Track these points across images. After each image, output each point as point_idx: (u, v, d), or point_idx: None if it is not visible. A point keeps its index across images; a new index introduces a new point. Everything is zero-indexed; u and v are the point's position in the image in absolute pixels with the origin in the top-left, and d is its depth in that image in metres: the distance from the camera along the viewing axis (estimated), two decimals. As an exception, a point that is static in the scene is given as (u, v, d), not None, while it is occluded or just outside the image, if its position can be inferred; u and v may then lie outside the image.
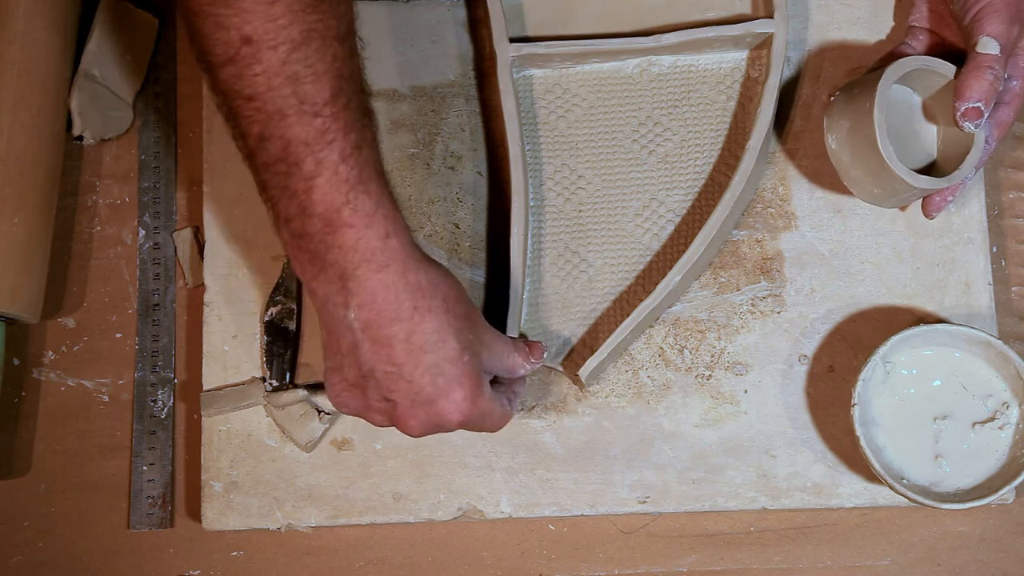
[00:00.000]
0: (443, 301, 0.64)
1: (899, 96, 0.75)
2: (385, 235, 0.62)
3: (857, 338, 0.78)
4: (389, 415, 0.66)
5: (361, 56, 0.65)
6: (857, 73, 0.80)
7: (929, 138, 0.76)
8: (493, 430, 0.69)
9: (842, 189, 0.80)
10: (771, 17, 0.78)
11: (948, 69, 0.73)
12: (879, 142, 0.71)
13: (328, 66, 0.61)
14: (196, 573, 0.78)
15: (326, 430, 0.76)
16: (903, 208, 0.79)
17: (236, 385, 0.78)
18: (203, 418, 0.77)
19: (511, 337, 0.72)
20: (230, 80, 0.61)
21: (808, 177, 0.80)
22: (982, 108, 0.70)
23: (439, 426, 0.66)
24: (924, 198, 0.76)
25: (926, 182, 0.72)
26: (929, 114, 0.76)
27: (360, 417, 0.68)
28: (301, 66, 0.60)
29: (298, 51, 0.60)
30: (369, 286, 0.62)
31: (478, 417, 0.66)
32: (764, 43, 0.79)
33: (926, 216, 0.77)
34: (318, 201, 0.61)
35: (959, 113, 0.70)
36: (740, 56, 0.81)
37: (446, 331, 0.64)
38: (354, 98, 0.63)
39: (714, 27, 0.79)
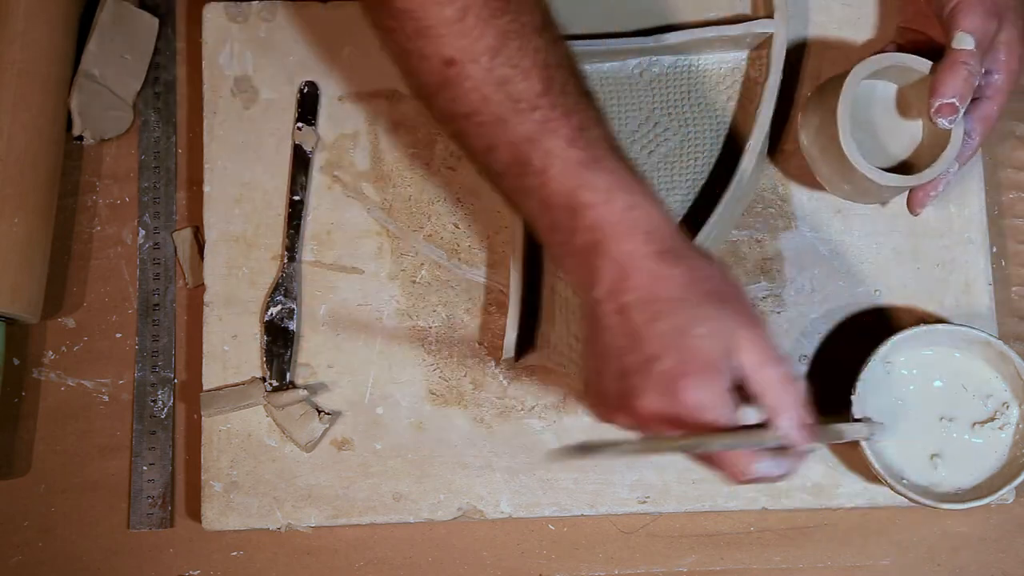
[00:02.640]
0: (686, 272, 0.60)
1: (885, 91, 0.75)
2: (627, 207, 0.60)
3: (857, 338, 0.78)
4: (622, 401, 0.60)
5: (564, 41, 0.64)
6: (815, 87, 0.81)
7: (915, 133, 0.76)
8: (726, 469, 0.61)
9: (842, 189, 0.80)
10: (771, 17, 0.78)
11: (923, 65, 0.72)
12: (842, 140, 0.71)
13: (533, 60, 0.61)
14: (196, 573, 0.78)
15: (326, 430, 0.76)
16: (883, 204, 0.79)
17: (236, 385, 0.78)
18: (203, 418, 0.77)
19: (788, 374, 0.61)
20: (447, 104, 0.62)
21: (808, 177, 0.80)
22: (956, 104, 0.70)
23: (665, 410, 0.59)
24: (909, 194, 0.76)
25: (893, 180, 0.72)
26: (909, 109, 0.76)
27: (606, 421, 0.63)
28: (507, 68, 0.61)
29: (499, 56, 0.61)
30: (611, 256, 0.60)
31: (706, 412, 0.59)
32: (764, 43, 0.79)
33: (911, 212, 0.76)
34: (555, 191, 0.61)
35: (934, 109, 0.70)
36: (740, 56, 0.81)
37: (681, 302, 0.59)
38: (568, 83, 0.63)
39: (714, 27, 0.79)
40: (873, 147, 0.73)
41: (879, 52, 0.77)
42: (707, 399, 0.58)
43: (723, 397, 0.59)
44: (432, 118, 0.65)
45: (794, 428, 0.59)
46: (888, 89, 0.76)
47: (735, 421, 0.59)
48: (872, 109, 0.75)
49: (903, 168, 0.75)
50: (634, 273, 0.60)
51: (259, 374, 0.78)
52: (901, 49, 0.77)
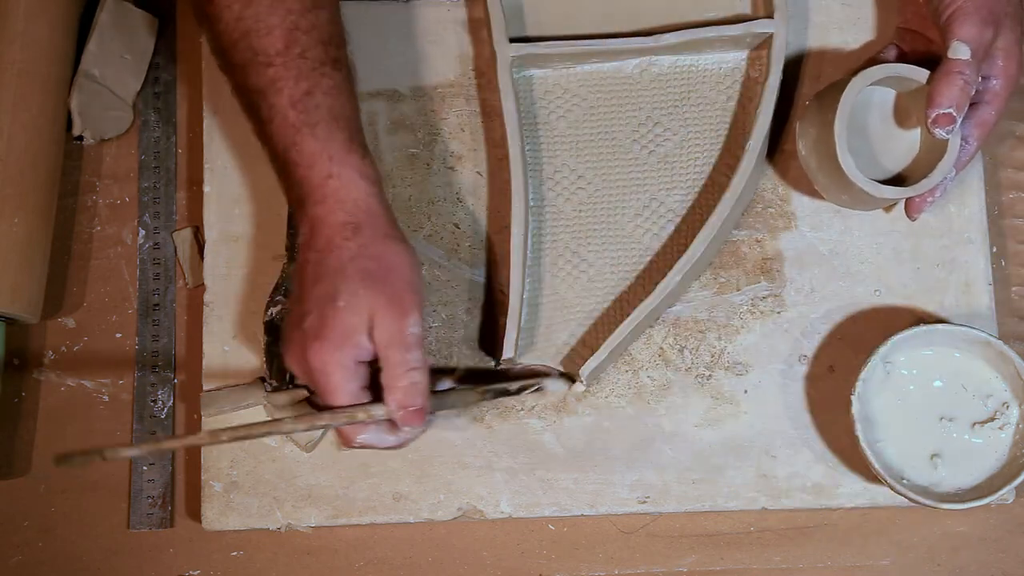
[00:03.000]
0: (355, 248, 0.66)
1: (882, 97, 0.75)
2: (327, 175, 0.66)
3: (857, 338, 0.78)
4: (299, 345, 0.66)
5: (331, 11, 0.70)
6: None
7: (912, 138, 0.76)
8: (342, 437, 0.67)
9: (842, 189, 0.80)
10: (771, 17, 0.78)
11: (920, 75, 0.72)
12: (839, 155, 0.72)
13: (280, 20, 0.67)
14: (196, 573, 0.78)
15: (326, 431, 0.76)
16: (887, 209, 0.79)
17: (236, 385, 0.78)
18: (203, 418, 0.77)
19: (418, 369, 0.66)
20: (210, 39, 0.70)
21: (807, 183, 0.80)
22: (953, 114, 0.70)
23: (306, 367, 0.66)
24: (907, 200, 0.76)
25: (890, 192, 0.72)
26: (910, 116, 0.76)
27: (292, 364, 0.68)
28: (252, 21, 0.67)
29: (249, 7, 0.67)
30: (308, 216, 0.67)
31: (327, 377, 0.65)
32: (764, 43, 0.79)
33: (908, 217, 0.77)
34: (276, 144, 0.68)
35: (931, 119, 0.70)
36: (740, 56, 0.81)
37: (338, 277, 0.65)
38: (312, 49, 0.68)
39: (714, 27, 0.79)
40: (870, 155, 0.73)
41: (877, 55, 0.77)
42: (330, 364, 0.64)
43: (345, 366, 0.64)
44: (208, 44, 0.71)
45: (397, 408, 0.65)
46: (886, 95, 0.76)
47: (352, 391, 0.65)
48: (869, 116, 0.75)
49: (901, 175, 0.75)
50: (317, 236, 0.66)
51: (259, 374, 0.78)
52: (901, 52, 0.77)
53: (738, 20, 0.80)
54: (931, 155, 0.73)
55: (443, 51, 0.82)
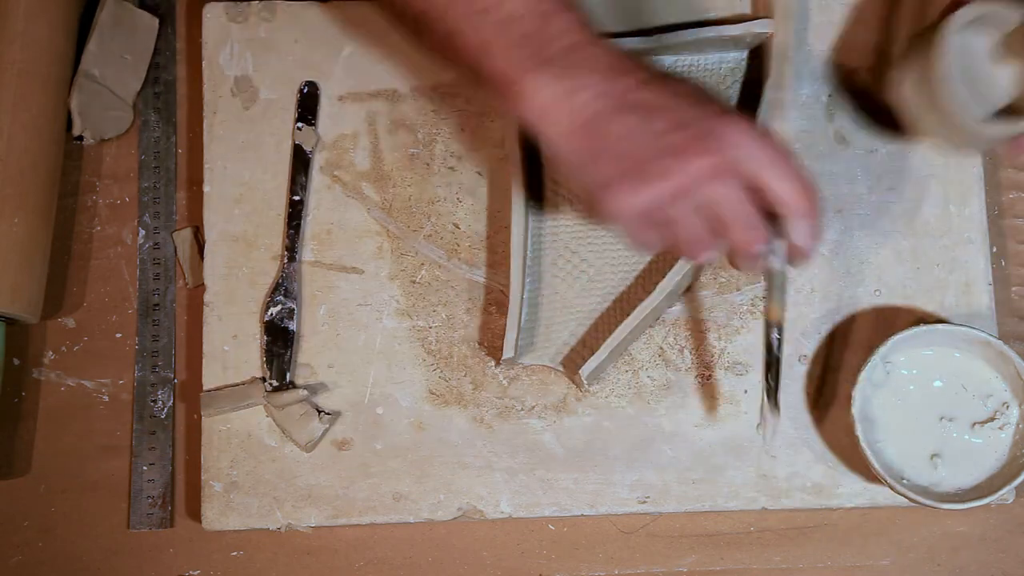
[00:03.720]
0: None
1: (971, 40, 0.74)
2: (589, 20, 0.64)
3: (857, 338, 0.78)
4: (678, 151, 0.62)
5: None
6: (859, 72, 0.80)
7: (1007, 80, 0.74)
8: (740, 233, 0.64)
9: (841, 189, 0.80)
10: (771, 17, 0.78)
11: (1017, 12, 0.71)
12: (949, 93, 0.70)
13: None
14: (196, 573, 0.78)
15: (326, 430, 0.76)
16: (987, 151, 0.78)
17: (236, 385, 0.78)
18: (203, 418, 0.77)
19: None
20: None
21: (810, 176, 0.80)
22: None
23: (727, 156, 0.62)
24: (1009, 144, 0.74)
25: (1001, 130, 0.71)
26: (1005, 56, 0.75)
27: (634, 216, 0.64)
28: None
29: None
30: (594, 53, 0.63)
31: (777, 158, 0.63)
32: (764, 43, 0.79)
33: (1010, 162, 0.76)
34: (519, 5, 0.63)
35: None
36: (740, 56, 0.81)
37: (679, 84, 0.65)
38: None
39: (714, 27, 0.79)
40: (973, 96, 0.72)
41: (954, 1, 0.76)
42: (746, 133, 0.62)
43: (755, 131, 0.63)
44: None
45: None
46: (979, 38, 0.74)
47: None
48: (967, 59, 0.74)
49: (1003, 115, 0.74)
50: (623, 61, 0.63)
51: (259, 374, 0.78)
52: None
53: (738, 20, 0.80)
54: None
55: (443, 51, 0.82)
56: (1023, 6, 0.71)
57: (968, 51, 0.74)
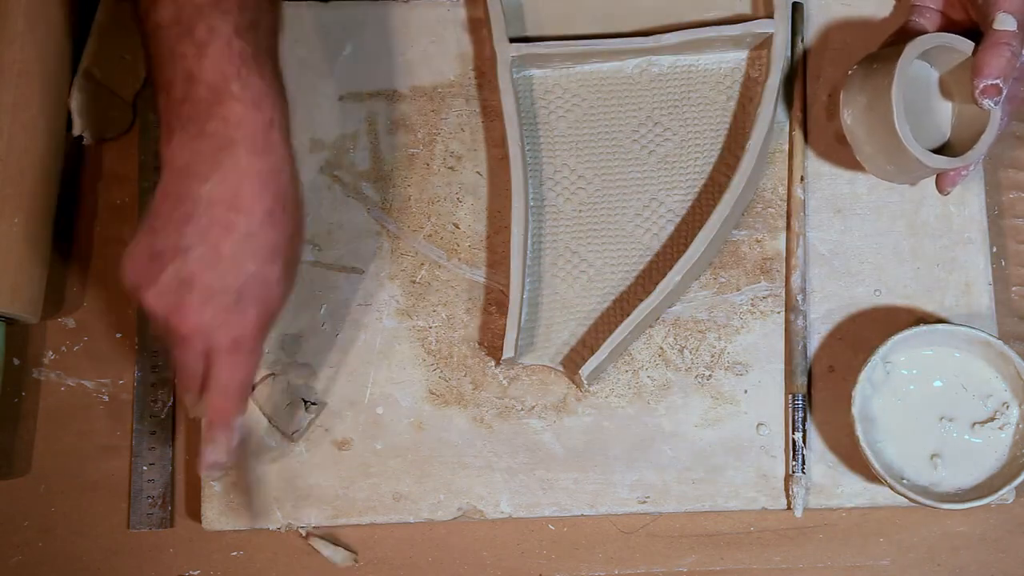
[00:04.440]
0: (293, 224, 0.63)
1: (915, 72, 0.75)
2: (270, 122, 0.62)
3: (857, 338, 0.78)
4: (173, 300, 0.62)
5: None
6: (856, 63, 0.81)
7: (944, 114, 0.76)
8: (216, 410, 0.65)
9: (841, 189, 0.80)
10: (771, 17, 0.78)
11: (966, 46, 0.72)
12: (896, 123, 0.71)
13: None
14: (196, 573, 0.78)
15: (312, 420, 0.76)
16: (913, 184, 0.79)
17: None
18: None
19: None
20: None
21: (810, 177, 0.80)
22: (1000, 85, 0.70)
23: (209, 334, 0.63)
24: (938, 176, 0.76)
25: (942, 162, 0.72)
26: (945, 90, 0.76)
27: (133, 292, 0.64)
28: None
29: None
30: (240, 167, 0.61)
31: (243, 357, 0.64)
32: (764, 43, 0.79)
33: (940, 192, 0.77)
34: (207, 69, 0.61)
35: (978, 91, 0.70)
36: (740, 56, 0.81)
37: (279, 255, 0.63)
38: None
39: (714, 27, 0.79)
40: (913, 128, 0.73)
41: (906, 25, 0.76)
42: (253, 351, 0.65)
43: (256, 355, 0.66)
44: None
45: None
46: (919, 67, 0.75)
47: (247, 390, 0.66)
48: (909, 91, 0.74)
49: (936, 150, 0.75)
50: (254, 197, 0.61)
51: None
52: (924, 27, 0.76)
53: (738, 20, 0.80)
54: (967, 130, 0.73)
55: (443, 51, 0.82)
56: (970, 42, 0.72)
57: (913, 80, 0.74)
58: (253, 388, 0.74)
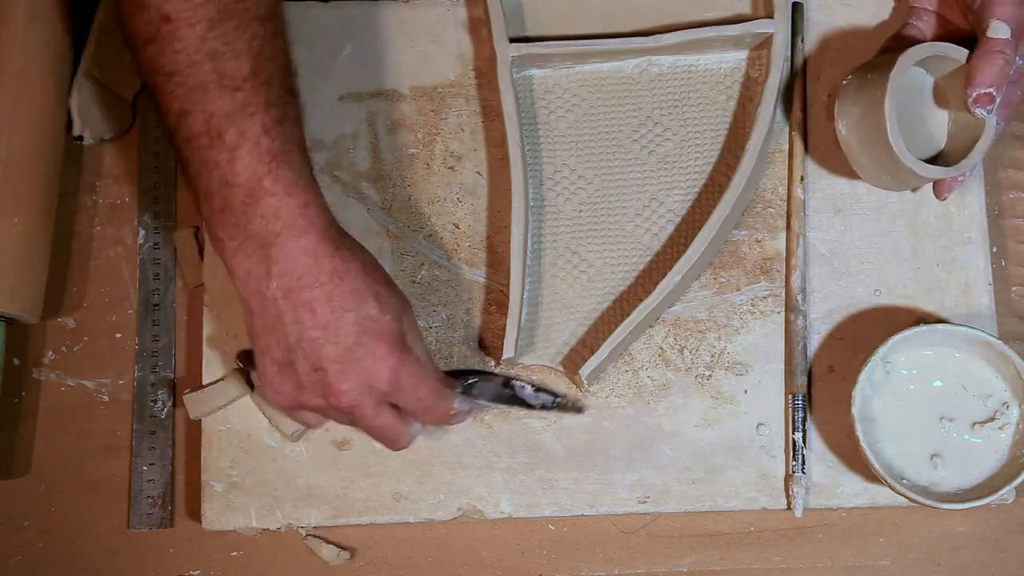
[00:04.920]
0: (361, 265, 0.66)
1: (911, 79, 0.75)
2: (305, 204, 0.65)
3: (857, 338, 0.78)
4: (322, 389, 0.66)
5: (284, 38, 0.67)
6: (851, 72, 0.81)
7: (939, 121, 0.76)
8: (436, 416, 0.70)
9: (841, 189, 0.80)
10: (771, 17, 0.78)
11: (960, 54, 0.72)
12: (890, 134, 0.71)
13: (247, 44, 0.64)
14: (196, 573, 0.78)
15: None
16: (914, 190, 0.79)
17: (215, 382, 0.77)
18: (196, 418, 0.77)
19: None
20: (152, 58, 0.64)
21: (810, 177, 0.80)
22: (993, 93, 0.70)
23: (371, 387, 0.66)
24: (935, 182, 0.76)
25: (935, 172, 0.72)
26: (940, 97, 0.76)
27: (295, 408, 0.69)
28: (219, 43, 0.63)
29: (215, 29, 0.63)
30: (289, 251, 0.64)
31: (409, 379, 0.67)
32: (764, 43, 0.79)
33: (937, 197, 0.77)
34: (240, 171, 0.63)
35: (971, 99, 0.70)
36: (740, 56, 0.81)
37: (366, 292, 0.66)
38: (276, 76, 0.65)
39: (714, 27, 0.79)
40: (907, 136, 0.73)
41: (900, 31, 0.76)
42: (411, 367, 0.67)
43: (419, 362, 0.68)
44: (135, 65, 0.66)
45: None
46: (915, 75, 0.75)
47: (437, 383, 0.69)
48: (904, 98, 0.74)
49: (933, 156, 0.75)
50: (314, 269, 0.64)
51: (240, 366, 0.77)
52: (920, 32, 0.76)
53: (738, 20, 0.80)
54: (964, 136, 0.73)
55: (443, 51, 0.82)
56: (964, 50, 0.72)
57: (907, 88, 0.74)
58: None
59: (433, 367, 0.71)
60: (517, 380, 0.76)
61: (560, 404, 0.76)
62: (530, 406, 0.76)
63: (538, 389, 0.76)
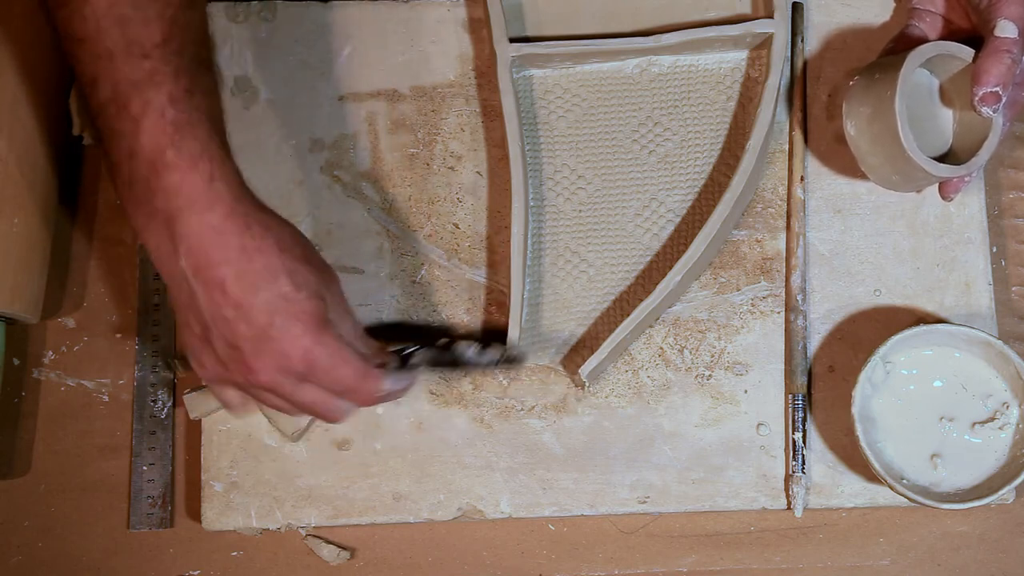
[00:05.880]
0: (275, 242, 0.63)
1: (917, 79, 0.75)
2: (210, 178, 0.61)
3: (857, 338, 0.78)
4: (239, 367, 0.64)
5: (203, 11, 0.66)
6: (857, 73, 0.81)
7: (946, 121, 0.76)
8: (362, 397, 0.67)
9: (841, 189, 0.80)
10: (771, 17, 0.78)
11: (966, 53, 0.72)
12: (901, 133, 0.71)
13: (159, 12, 0.62)
14: (196, 573, 0.78)
15: (312, 420, 0.76)
16: (918, 191, 0.79)
17: None
18: (202, 419, 0.77)
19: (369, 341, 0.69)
20: (64, 23, 0.62)
21: (810, 177, 0.80)
22: (1000, 92, 0.70)
23: (287, 369, 0.64)
24: (941, 183, 0.76)
25: (946, 170, 0.72)
26: (946, 97, 0.76)
27: (221, 383, 0.67)
28: (129, 9, 0.61)
29: None
30: (194, 228, 0.61)
31: (327, 360, 0.64)
32: (764, 43, 0.79)
33: (943, 198, 0.77)
34: (145, 143, 0.61)
35: (977, 98, 0.70)
36: (740, 56, 0.81)
37: (278, 270, 0.63)
38: (189, 46, 0.63)
39: (714, 27, 0.79)
40: (915, 137, 0.73)
41: (903, 31, 0.76)
42: (330, 347, 0.63)
43: (341, 340, 0.64)
44: (54, 33, 0.65)
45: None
46: (921, 75, 0.75)
47: (360, 363, 0.65)
48: (910, 99, 0.75)
49: (938, 157, 0.75)
50: (221, 247, 0.61)
51: None
52: (922, 33, 0.76)
53: (738, 20, 0.80)
54: (969, 136, 0.74)
55: (443, 51, 0.82)
56: (970, 49, 0.72)
57: (914, 88, 0.74)
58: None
59: (362, 344, 0.67)
60: (462, 341, 0.74)
61: (507, 358, 0.74)
62: (473, 366, 0.74)
63: (485, 347, 0.74)
